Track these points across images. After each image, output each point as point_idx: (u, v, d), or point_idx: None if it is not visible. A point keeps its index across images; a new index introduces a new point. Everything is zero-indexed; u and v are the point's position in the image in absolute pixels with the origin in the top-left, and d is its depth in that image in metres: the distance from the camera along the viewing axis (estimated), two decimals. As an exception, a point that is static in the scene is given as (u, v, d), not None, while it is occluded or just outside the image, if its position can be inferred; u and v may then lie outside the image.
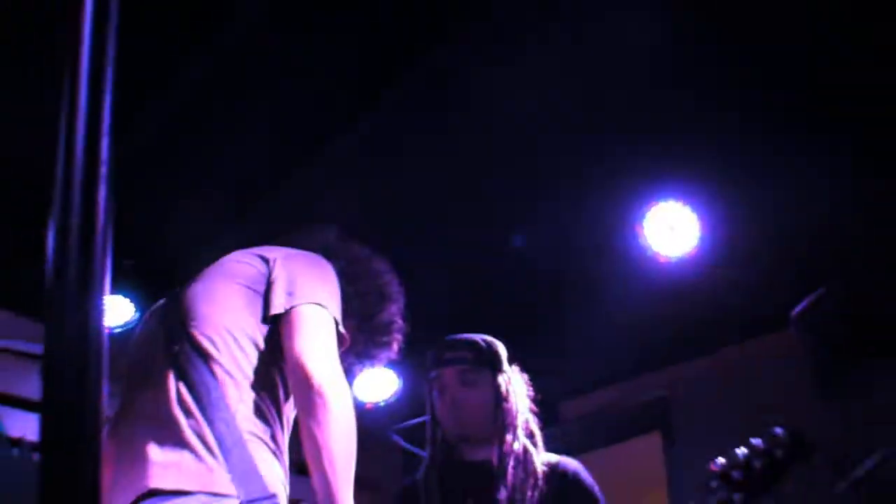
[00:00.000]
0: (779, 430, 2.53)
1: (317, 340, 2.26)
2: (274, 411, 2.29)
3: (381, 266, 2.77)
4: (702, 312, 4.42)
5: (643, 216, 4.21)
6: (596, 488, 3.13)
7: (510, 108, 3.93)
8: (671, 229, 4.21)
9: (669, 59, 3.80)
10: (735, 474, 2.45)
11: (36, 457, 4.68)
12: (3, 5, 3.54)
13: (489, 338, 3.22)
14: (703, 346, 4.86)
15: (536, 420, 3.19)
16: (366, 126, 4.11)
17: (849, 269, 3.99)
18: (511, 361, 3.19)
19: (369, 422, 4.68)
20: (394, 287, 2.78)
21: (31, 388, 5.02)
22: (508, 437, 3.10)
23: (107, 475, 2.25)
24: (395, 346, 2.80)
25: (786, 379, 3.85)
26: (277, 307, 2.30)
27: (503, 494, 3.06)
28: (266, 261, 2.43)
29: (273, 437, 2.27)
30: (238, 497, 2.07)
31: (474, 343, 3.20)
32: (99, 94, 0.74)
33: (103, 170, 0.73)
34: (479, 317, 4.55)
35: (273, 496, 2.14)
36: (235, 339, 2.29)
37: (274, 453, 2.25)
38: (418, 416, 3.96)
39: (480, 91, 3.87)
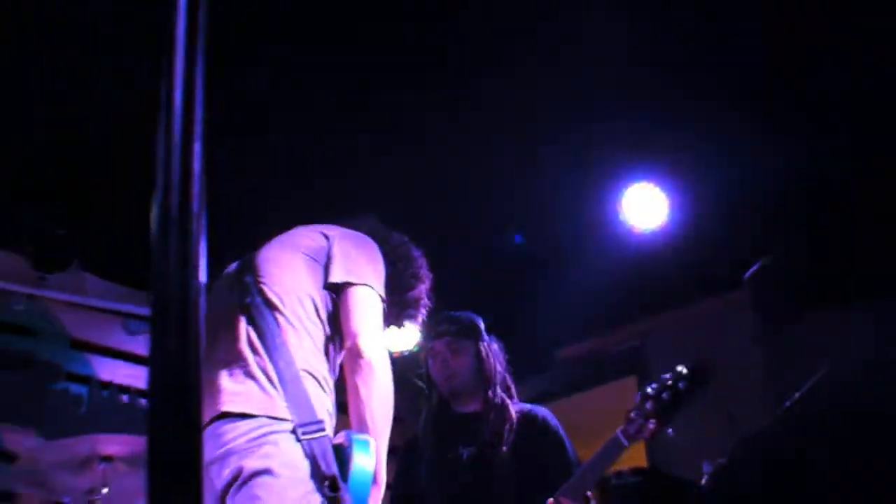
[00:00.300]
0: (682, 367, 3.21)
1: (369, 321, 2.60)
2: (324, 356, 2.60)
3: (415, 252, 3.12)
4: (670, 275, 4.99)
5: (621, 195, 4.85)
6: (561, 430, 3.65)
7: (503, 101, 4.39)
8: (644, 207, 4.84)
9: (646, 60, 4.18)
10: (648, 405, 3.13)
11: (124, 398, 5.50)
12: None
13: (471, 314, 3.81)
14: (672, 303, 5.44)
15: (511, 379, 3.76)
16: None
17: (792, 237, 4.54)
18: (490, 331, 3.80)
19: (395, 367, 5.47)
20: (425, 270, 3.12)
21: (117, 339, 5.73)
22: (489, 393, 3.66)
23: None
24: (420, 319, 3.17)
25: (739, 331, 4.19)
26: (336, 277, 2.65)
27: (486, 437, 3.59)
28: (326, 237, 2.77)
29: (323, 377, 2.56)
30: (292, 421, 2.36)
31: (459, 319, 3.79)
32: (192, 95, 0.80)
33: (197, 147, 0.80)
34: (485, 280, 5.20)
35: (320, 421, 2.41)
36: (298, 297, 2.61)
37: (323, 389, 2.54)
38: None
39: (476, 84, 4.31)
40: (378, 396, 2.53)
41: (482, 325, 3.80)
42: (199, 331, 0.79)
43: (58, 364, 5.48)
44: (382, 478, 2.51)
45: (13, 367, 5.31)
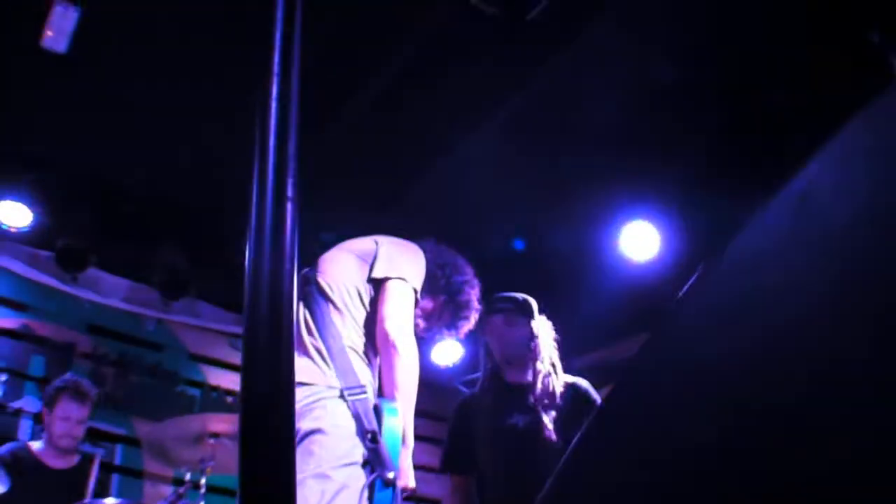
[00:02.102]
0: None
1: (398, 309, 2.74)
2: (367, 338, 2.77)
3: (464, 262, 3.24)
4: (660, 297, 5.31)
5: (619, 231, 5.48)
6: (599, 400, 3.76)
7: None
8: (639, 241, 5.45)
9: (647, 114, 4.67)
10: None
11: (229, 399, 6.23)
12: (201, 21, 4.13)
13: (526, 295, 3.89)
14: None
15: (557, 356, 3.81)
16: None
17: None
18: (540, 313, 3.89)
19: (443, 378, 6.06)
20: (473, 277, 3.23)
21: (224, 352, 6.55)
22: (538, 364, 3.72)
23: None
24: (472, 321, 3.24)
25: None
26: (377, 273, 2.83)
27: (534, 405, 3.63)
28: (376, 242, 2.95)
29: (365, 352, 2.75)
30: (340, 387, 2.55)
31: (515, 298, 3.86)
32: (287, 110, 0.75)
33: (292, 166, 0.74)
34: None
35: (363, 386, 2.60)
36: (346, 287, 2.81)
37: (364, 362, 2.73)
38: (475, 372, 4.43)
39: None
40: (403, 370, 2.64)
41: (535, 306, 3.87)
42: (291, 321, 0.72)
43: (178, 372, 6.38)
44: (410, 440, 2.65)
45: (144, 373, 6.22)
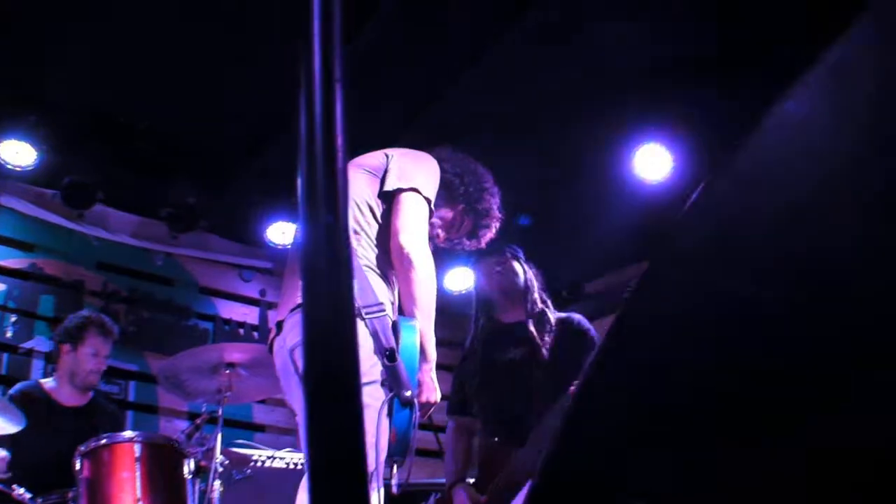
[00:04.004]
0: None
1: (411, 221, 2.66)
2: (382, 253, 2.70)
3: (483, 170, 3.18)
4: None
5: (635, 153, 5.46)
6: (593, 331, 3.83)
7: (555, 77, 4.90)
8: (652, 163, 5.43)
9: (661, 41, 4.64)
10: None
11: (241, 331, 6.37)
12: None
13: (514, 245, 4.04)
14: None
15: (547, 294, 3.96)
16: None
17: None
18: (528, 259, 4.04)
19: (455, 305, 6.06)
20: (493, 185, 3.16)
21: (234, 285, 6.58)
22: (530, 301, 3.87)
23: (280, 304, 2.78)
24: (493, 229, 3.18)
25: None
26: (389, 186, 2.74)
27: (527, 335, 3.74)
28: (387, 156, 2.85)
29: (381, 270, 2.68)
30: (358, 306, 2.44)
31: (504, 247, 3.99)
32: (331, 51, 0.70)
33: (337, 48, 0.70)
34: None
35: (381, 304, 2.52)
36: (358, 205, 2.72)
37: (383, 280, 2.67)
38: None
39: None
40: (419, 283, 2.61)
41: (522, 254, 4.06)
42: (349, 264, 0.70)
43: (189, 306, 6.43)
44: (432, 354, 2.63)
45: (156, 309, 6.24)
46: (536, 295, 3.89)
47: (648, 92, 5.11)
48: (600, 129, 5.44)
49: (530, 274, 3.95)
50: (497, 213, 3.19)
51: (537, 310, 3.84)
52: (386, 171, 2.79)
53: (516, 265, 3.94)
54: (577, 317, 3.89)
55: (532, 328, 3.76)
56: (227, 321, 6.46)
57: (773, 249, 0.66)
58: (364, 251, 2.66)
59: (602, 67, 4.93)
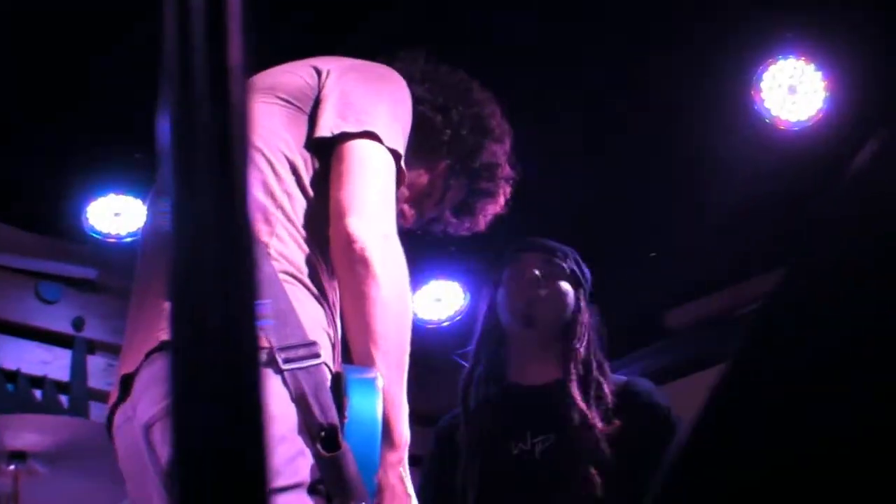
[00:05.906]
0: None
1: (367, 192, 2.02)
2: (317, 250, 2.09)
3: (481, 94, 2.42)
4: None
5: (756, 78, 3.82)
6: (673, 409, 2.98)
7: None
8: (790, 91, 3.82)
9: None
10: None
11: (38, 393, 4.36)
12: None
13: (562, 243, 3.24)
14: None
15: (604, 354, 3.09)
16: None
17: None
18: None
19: (430, 344, 4.46)
20: (497, 120, 2.42)
21: (23, 308, 4.77)
22: (579, 346, 2.96)
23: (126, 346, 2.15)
24: (502, 199, 2.48)
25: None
26: (323, 129, 2.08)
27: (563, 412, 2.91)
28: (319, 73, 2.18)
29: (313, 277, 2.07)
30: (268, 345, 1.82)
31: (556, 245, 3.15)
32: None
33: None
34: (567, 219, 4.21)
35: (313, 344, 1.92)
36: (270, 165, 2.08)
37: (315, 297, 2.04)
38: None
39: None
40: (382, 305, 2.00)
41: (581, 262, 3.16)
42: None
43: None
44: (402, 433, 2.01)
45: None
46: (589, 344, 3.05)
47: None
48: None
49: (585, 300, 3.09)
50: (507, 170, 2.46)
51: (592, 365, 2.99)
52: (318, 101, 2.11)
53: (565, 284, 3.06)
54: (645, 385, 3.13)
55: (577, 394, 2.93)
56: (12, 375, 4.52)
57: None
58: (283, 247, 2.01)
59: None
